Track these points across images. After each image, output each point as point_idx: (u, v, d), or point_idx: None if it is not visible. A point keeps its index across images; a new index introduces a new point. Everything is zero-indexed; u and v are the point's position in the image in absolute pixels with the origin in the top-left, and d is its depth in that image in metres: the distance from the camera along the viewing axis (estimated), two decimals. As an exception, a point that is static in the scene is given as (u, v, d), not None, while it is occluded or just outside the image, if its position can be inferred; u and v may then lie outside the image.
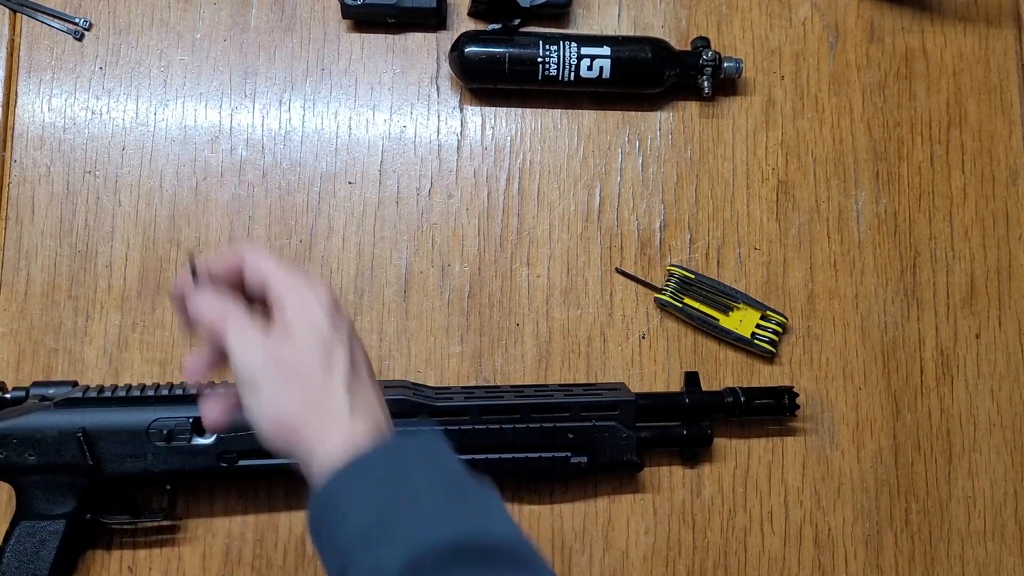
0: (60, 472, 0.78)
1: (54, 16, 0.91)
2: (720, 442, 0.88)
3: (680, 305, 0.88)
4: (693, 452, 0.87)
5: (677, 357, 0.89)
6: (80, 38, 0.91)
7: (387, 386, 0.82)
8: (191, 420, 0.79)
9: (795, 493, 0.88)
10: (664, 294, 0.88)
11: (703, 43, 0.90)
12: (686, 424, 0.86)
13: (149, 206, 0.89)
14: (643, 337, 0.89)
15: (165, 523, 0.83)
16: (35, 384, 0.81)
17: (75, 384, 0.82)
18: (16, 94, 0.90)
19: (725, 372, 0.89)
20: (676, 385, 0.88)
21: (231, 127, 0.91)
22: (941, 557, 0.87)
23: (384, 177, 0.91)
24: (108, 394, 0.80)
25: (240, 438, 0.79)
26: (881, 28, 0.95)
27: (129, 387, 0.81)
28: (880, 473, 0.88)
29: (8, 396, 0.81)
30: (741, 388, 0.86)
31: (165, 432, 0.78)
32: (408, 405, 0.80)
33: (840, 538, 0.87)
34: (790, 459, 0.88)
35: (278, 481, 0.84)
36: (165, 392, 0.80)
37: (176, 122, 0.91)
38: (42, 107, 0.90)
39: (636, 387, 0.88)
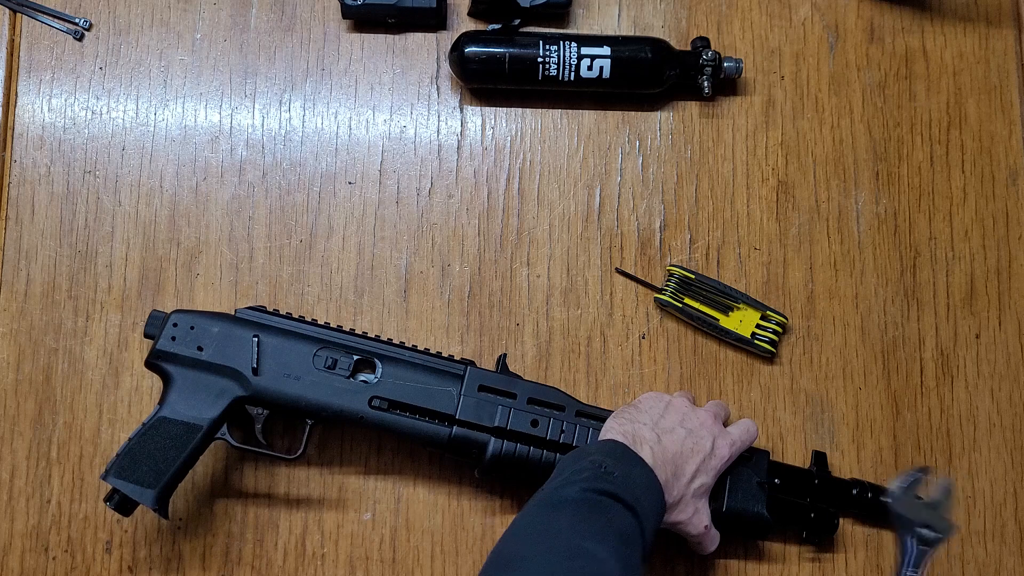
0: (221, 374, 0.78)
1: (54, 16, 0.91)
2: (720, 442, 0.88)
3: (680, 305, 0.88)
4: (817, 538, 0.85)
5: (677, 357, 0.89)
6: (80, 38, 0.91)
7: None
8: (355, 359, 0.79)
9: (795, 493, 0.88)
10: (664, 294, 0.88)
11: (703, 43, 0.90)
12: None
13: (149, 206, 0.89)
14: (643, 337, 0.89)
15: (288, 457, 0.81)
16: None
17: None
18: (16, 94, 0.90)
19: (725, 372, 0.89)
20: (675, 386, 0.88)
21: (231, 127, 0.91)
22: (941, 557, 0.87)
23: (384, 177, 0.91)
24: (287, 315, 0.82)
25: (397, 386, 0.79)
26: (881, 28, 0.95)
27: (303, 317, 0.82)
28: (880, 473, 0.88)
29: None
30: (870, 484, 0.85)
31: (329, 362, 0.79)
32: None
33: (840, 538, 0.87)
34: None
35: (412, 447, 0.84)
36: (341, 328, 0.82)
37: (176, 122, 0.91)
38: (42, 107, 0.90)
39: (636, 387, 0.88)
